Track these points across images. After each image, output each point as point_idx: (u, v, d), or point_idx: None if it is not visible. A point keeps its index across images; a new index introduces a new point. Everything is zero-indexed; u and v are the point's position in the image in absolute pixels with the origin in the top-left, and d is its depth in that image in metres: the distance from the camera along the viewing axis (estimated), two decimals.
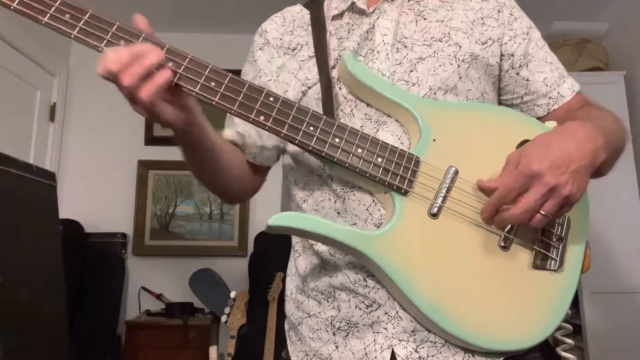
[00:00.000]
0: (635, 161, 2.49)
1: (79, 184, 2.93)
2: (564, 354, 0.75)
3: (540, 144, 0.66)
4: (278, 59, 0.87)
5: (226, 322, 2.40)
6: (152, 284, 2.85)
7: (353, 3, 0.83)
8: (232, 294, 2.45)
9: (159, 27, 3.46)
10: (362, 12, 0.83)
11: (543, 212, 0.63)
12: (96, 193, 2.93)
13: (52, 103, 2.89)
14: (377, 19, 0.81)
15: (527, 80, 0.83)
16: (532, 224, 0.65)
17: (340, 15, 0.85)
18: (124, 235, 2.86)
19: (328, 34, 0.84)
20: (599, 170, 0.73)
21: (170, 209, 2.98)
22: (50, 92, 2.89)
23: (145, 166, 2.98)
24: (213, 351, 2.33)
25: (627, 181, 2.46)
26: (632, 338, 2.32)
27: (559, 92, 0.83)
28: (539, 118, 0.84)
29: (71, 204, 2.75)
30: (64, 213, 2.07)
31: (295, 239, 0.87)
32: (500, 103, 0.87)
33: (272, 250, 2.54)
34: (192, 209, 2.99)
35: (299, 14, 0.90)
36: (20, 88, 2.61)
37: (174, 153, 3.70)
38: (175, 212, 2.98)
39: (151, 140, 3.01)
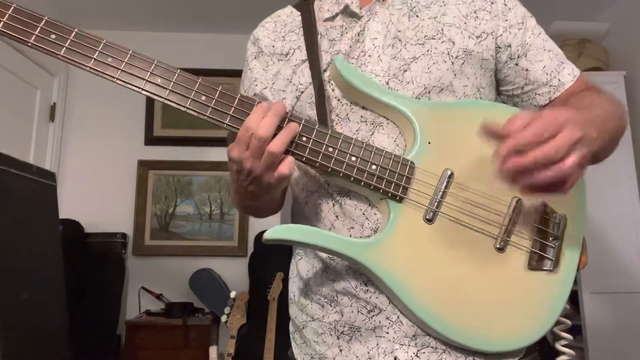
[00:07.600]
0: (635, 161, 2.49)
1: (79, 184, 2.93)
2: (563, 349, 0.75)
3: (562, 108, 0.65)
4: (273, 66, 0.86)
5: (226, 322, 2.40)
6: (152, 284, 2.85)
7: (346, 6, 0.82)
8: (232, 294, 2.46)
9: (153, 27, 3.44)
10: (354, 15, 0.82)
11: (574, 157, 0.57)
12: (96, 193, 2.93)
13: (52, 103, 2.89)
14: (368, 21, 0.80)
15: (527, 70, 0.82)
16: (565, 169, 0.57)
17: (332, 18, 0.84)
18: (124, 235, 2.86)
19: (319, 35, 0.83)
20: (595, 157, 0.72)
21: (170, 209, 2.98)
22: (50, 92, 2.89)
23: (145, 166, 2.98)
24: (213, 351, 2.33)
25: (627, 181, 2.47)
26: (632, 338, 2.32)
27: (559, 80, 0.82)
28: (540, 107, 0.83)
29: (71, 204, 2.75)
30: (64, 213, 2.07)
31: None
32: (499, 94, 0.87)
33: (272, 250, 2.53)
34: (192, 209, 2.99)
35: (290, 17, 0.89)
36: (20, 88, 2.61)
37: (174, 153, 3.68)
38: (175, 212, 2.98)
39: (151, 140, 3.01)
